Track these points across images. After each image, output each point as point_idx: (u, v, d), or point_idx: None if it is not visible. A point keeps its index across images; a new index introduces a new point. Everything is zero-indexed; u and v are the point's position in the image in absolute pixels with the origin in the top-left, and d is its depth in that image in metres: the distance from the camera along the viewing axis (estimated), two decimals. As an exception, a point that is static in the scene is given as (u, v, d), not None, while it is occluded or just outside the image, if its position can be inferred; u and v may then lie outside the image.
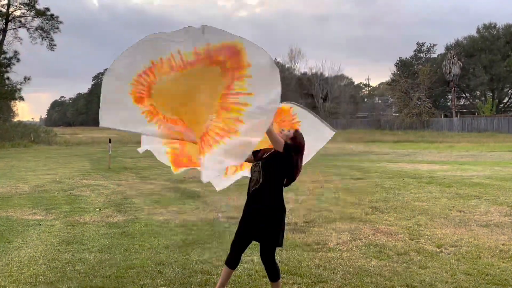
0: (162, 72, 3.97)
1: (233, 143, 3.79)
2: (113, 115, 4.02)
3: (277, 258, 5.76)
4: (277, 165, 4.15)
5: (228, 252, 4.37)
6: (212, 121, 3.97)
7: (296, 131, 4.31)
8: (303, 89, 72.09)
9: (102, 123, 4.01)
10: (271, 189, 4.16)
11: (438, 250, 6.09)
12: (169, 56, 3.92)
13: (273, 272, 4.29)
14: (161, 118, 4.11)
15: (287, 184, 4.26)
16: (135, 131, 4.12)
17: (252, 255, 5.82)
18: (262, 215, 4.15)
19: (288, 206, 8.85)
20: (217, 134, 3.88)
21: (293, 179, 4.26)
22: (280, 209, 4.19)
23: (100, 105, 4.01)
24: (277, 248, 4.32)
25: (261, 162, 4.23)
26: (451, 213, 8.28)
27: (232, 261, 4.33)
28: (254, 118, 3.77)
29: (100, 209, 9.17)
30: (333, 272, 5.27)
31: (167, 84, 4.02)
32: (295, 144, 4.18)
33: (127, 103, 3.97)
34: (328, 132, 5.22)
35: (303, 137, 4.28)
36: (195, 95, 4.13)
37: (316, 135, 5.12)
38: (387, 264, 5.54)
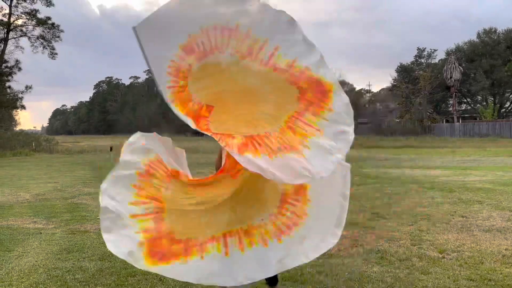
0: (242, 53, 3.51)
1: (292, 159, 3.39)
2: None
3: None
4: None
5: None
6: (275, 133, 3.53)
7: None
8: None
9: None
10: None
11: (440, 255, 6.06)
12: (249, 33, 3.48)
13: (271, 277, 4.33)
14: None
15: None
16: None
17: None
18: None
19: (289, 213, 8.84)
20: (282, 145, 3.43)
21: None
22: None
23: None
24: None
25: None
26: (453, 219, 8.24)
27: None
28: (319, 149, 3.47)
29: (101, 217, 9.14)
30: (335, 278, 5.25)
31: (240, 66, 3.55)
32: None
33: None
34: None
35: None
36: (260, 97, 3.68)
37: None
38: (389, 270, 5.51)
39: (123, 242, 3.47)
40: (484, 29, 59.62)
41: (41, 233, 7.90)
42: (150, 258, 3.46)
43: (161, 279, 5.36)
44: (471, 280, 5.13)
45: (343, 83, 79.89)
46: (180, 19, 3.39)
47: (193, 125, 3.47)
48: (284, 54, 3.53)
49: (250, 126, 3.60)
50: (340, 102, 3.61)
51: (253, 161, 3.27)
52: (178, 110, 3.46)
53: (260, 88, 3.63)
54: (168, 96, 3.45)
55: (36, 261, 6.18)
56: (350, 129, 3.59)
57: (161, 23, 3.37)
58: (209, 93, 3.61)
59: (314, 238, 3.80)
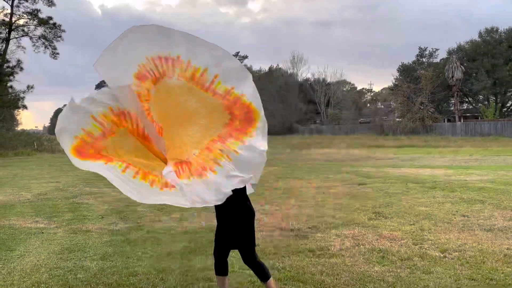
0: (182, 75, 3.95)
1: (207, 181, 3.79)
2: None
3: (280, 264, 5.75)
4: None
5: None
6: (194, 155, 3.95)
7: None
8: (306, 95, 72.22)
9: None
10: (234, 202, 4.08)
11: (442, 255, 6.05)
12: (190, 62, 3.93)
13: (260, 273, 4.37)
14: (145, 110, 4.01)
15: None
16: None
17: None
18: (229, 224, 4.29)
19: (291, 212, 8.86)
20: (200, 166, 3.86)
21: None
22: (245, 214, 4.28)
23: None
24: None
25: None
26: (455, 218, 8.24)
27: (221, 268, 4.45)
28: (229, 172, 3.83)
29: (102, 217, 9.17)
30: (336, 278, 5.24)
31: (185, 89, 3.97)
32: None
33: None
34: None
35: None
36: (192, 119, 4.07)
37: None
38: (391, 270, 5.50)
39: (67, 124, 4.06)
40: (486, 28, 59.47)
41: (43, 232, 7.91)
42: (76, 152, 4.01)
43: (162, 278, 5.37)
44: (472, 279, 5.12)
45: (344, 83, 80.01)
46: (128, 52, 3.88)
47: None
48: (223, 81, 3.94)
49: (178, 150, 4.02)
50: (260, 129, 4.02)
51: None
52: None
53: (196, 111, 4.04)
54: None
55: (38, 261, 6.19)
56: (261, 158, 3.97)
57: (113, 58, 3.90)
58: (160, 116, 4.05)
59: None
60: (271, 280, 4.39)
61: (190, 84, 3.96)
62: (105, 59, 3.91)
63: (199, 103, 4.00)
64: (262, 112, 4.05)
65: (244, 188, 4.20)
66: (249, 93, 3.99)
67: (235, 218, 4.25)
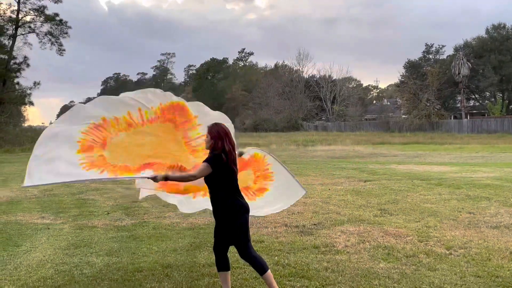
0: (120, 129, 4.73)
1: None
2: (43, 171, 4.35)
3: (285, 261, 5.75)
4: (214, 176, 4.34)
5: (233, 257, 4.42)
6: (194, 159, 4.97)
7: (209, 127, 4.49)
8: (311, 91, 72.09)
9: (29, 181, 4.41)
10: (221, 197, 4.38)
11: (447, 252, 6.03)
12: (125, 114, 4.75)
13: (257, 266, 4.42)
14: (108, 165, 4.53)
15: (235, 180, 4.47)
16: (70, 180, 4.81)
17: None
18: (221, 221, 4.41)
19: (296, 209, 8.86)
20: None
21: (235, 173, 4.46)
22: (236, 210, 4.35)
23: (30, 162, 4.41)
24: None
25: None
26: (461, 215, 8.21)
27: (221, 264, 4.54)
28: None
29: (108, 213, 9.20)
30: (341, 275, 5.24)
31: (126, 138, 4.77)
32: (215, 145, 4.37)
33: (64, 156, 4.41)
34: (299, 191, 5.70)
35: (218, 126, 4.47)
36: (162, 145, 4.97)
37: (288, 193, 5.65)
38: (396, 267, 5.49)
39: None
40: (493, 25, 59.16)
41: (49, 228, 7.95)
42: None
43: (167, 274, 5.38)
44: (478, 276, 5.10)
45: (350, 79, 79.81)
46: (64, 135, 4.51)
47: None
48: (145, 109, 4.84)
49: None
50: (194, 107, 5.12)
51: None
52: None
53: (156, 138, 4.95)
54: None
55: (44, 256, 6.23)
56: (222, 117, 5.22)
57: (49, 148, 4.48)
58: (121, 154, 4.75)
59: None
60: (269, 273, 4.43)
61: (132, 129, 4.86)
62: (42, 146, 4.58)
63: (152, 133, 4.97)
64: (181, 99, 5.11)
65: (232, 184, 4.40)
66: (163, 99, 5.02)
67: (226, 214, 4.35)
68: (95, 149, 4.58)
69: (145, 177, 4.55)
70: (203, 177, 4.40)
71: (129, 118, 4.78)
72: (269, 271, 4.44)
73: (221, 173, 4.30)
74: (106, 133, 4.67)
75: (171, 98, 4.98)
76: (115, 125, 4.72)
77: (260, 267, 4.41)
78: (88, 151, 4.52)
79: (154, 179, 4.30)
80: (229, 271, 4.62)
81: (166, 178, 4.27)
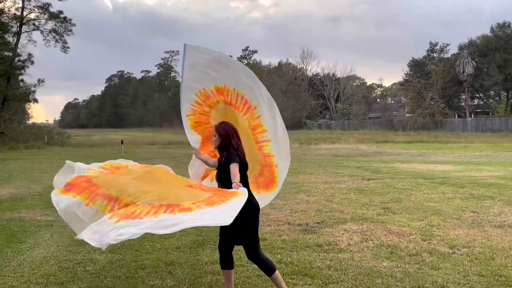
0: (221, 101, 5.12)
1: None
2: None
3: (288, 259, 5.74)
4: (227, 172, 4.23)
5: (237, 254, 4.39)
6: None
7: (216, 126, 4.51)
8: (315, 90, 72.01)
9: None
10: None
11: (450, 251, 6.02)
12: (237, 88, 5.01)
13: (265, 267, 4.33)
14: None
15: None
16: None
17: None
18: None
19: (299, 207, 8.85)
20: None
21: (246, 168, 4.43)
22: (244, 211, 3.99)
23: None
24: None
25: (216, 173, 4.45)
26: (464, 214, 8.19)
27: (225, 262, 4.46)
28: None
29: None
30: (344, 273, 5.23)
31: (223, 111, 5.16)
32: (224, 143, 4.39)
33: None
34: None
35: (225, 125, 4.49)
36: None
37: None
38: (399, 265, 5.48)
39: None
40: (498, 23, 58.87)
41: (52, 225, 7.97)
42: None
43: (170, 271, 5.39)
44: (481, 276, 5.09)
45: (354, 78, 79.68)
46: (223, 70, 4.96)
47: (196, 143, 5.12)
48: (271, 149, 5.17)
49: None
50: (273, 193, 5.38)
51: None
52: (188, 124, 5.09)
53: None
54: (185, 111, 5.06)
55: (47, 253, 6.24)
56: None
57: (207, 62, 4.90)
58: None
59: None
60: (277, 273, 4.37)
61: (250, 131, 5.01)
62: (201, 52, 4.96)
63: (247, 144, 4.81)
64: (280, 183, 5.27)
65: (244, 181, 4.29)
66: (281, 167, 5.21)
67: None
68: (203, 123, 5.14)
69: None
70: (215, 176, 4.40)
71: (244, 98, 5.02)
72: (277, 271, 4.37)
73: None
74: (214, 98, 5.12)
75: (280, 165, 5.28)
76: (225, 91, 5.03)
77: (268, 268, 4.32)
78: (198, 126, 5.12)
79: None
80: (233, 270, 4.57)
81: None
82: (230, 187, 4.06)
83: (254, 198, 4.39)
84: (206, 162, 4.96)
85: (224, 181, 4.29)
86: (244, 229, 4.25)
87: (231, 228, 4.18)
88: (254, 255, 4.32)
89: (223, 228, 4.37)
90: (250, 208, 4.22)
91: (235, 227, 4.11)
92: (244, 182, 4.29)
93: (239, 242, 4.37)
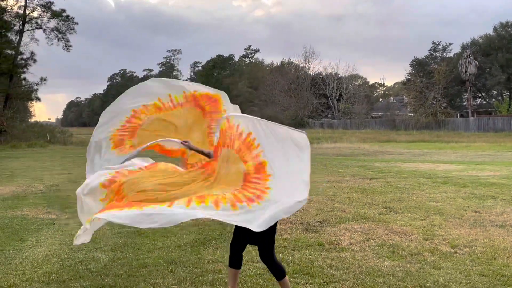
0: (148, 114, 4.92)
1: None
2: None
3: (289, 258, 5.75)
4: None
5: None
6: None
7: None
8: (317, 89, 71.95)
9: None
10: None
11: (452, 250, 6.01)
12: (156, 101, 4.92)
13: (276, 271, 4.22)
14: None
15: None
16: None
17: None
18: None
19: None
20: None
21: None
22: None
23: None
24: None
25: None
26: (466, 213, 8.18)
27: (234, 261, 4.34)
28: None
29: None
30: (346, 272, 5.23)
31: (154, 122, 4.95)
32: None
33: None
34: (299, 137, 4.12)
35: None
36: (187, 130, 5.02)
37: (294, 151, 4.10)
38: (400, 265, 5.48)
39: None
40: (501, 23, 58.73)
41: (54, 223, 7.99)
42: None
43: (172, 270, 5.40)
44: (483, 275, 5.08)
45: (356, 77, 79.62)
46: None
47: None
48: (175, 94, 4.98)
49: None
50: (228, 103, 5.16)
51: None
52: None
53: (184, 122, 5.05)
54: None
55: (49, 251, 6.26)
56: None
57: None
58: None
59: (282, 204, 3.75)
60: (286, 279, 4.27)
61: (162, 113, 5.00)
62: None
63: (179, 118, 5.03)
64: (220, 93, 5.18)
65: None
66: (200, 89, 5.12)
67: None
68: (125, 141, 4.83)
69: (174, 141, 4.82)
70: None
71: (160, 103, 4.94)
72: (286, 276, 4.28)
73: None
74: (136, 121, 4.89)
75: (208, 89, 5.10)
76: (145, 111, 4.90)
77: (280, 272, 4.21)
78: (120, 145, 4.84)
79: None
80: (240, 270, 4.46)
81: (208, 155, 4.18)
82: None
83: None
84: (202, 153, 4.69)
85: None
86: (260, 232, 3.94)
87: (247, 231, 3.91)
88: (269, 257, 4.19)
89: (239, 228, 4.16)
90: None
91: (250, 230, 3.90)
92: None
93: (255, 242, 4.24)
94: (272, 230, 4.08)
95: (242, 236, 4.26)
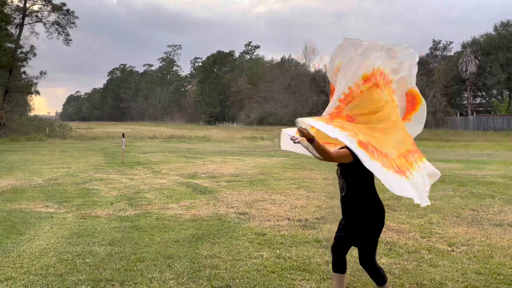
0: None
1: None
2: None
3: (287, 254, 5.75)
4: (355, 169, 3.88)
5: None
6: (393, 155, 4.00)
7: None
8: (317, 86, 71.92)
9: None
10: (357, 194, 3.97)
11: (449, 248, 6.03)
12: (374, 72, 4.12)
13: (376, 276, 4.01)
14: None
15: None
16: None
17: (261, 251, 5.83)
18: (353, 222, 3.98)
19: (299, 203, 8.85)
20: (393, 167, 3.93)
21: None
22: (370, 213, 3.94)
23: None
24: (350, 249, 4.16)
25: (338, 169, 4.07)
26: (464, 212, 8.19)
27: (337, 265, 4.13)
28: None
29: (112, 203, 9.23)
30: (342, 269, 5.23)
31: (366, 96, 4.12)
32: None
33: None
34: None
35: None
36: (395, 128, 4.21)
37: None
38: (397, 262, 5.50)
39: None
40: (502, 22, 58.74)
41: (52, 217, 7.99)
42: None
43: (169, 265, 5.40)
44: (480, 274, 5.10)
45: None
46: (362, 60, 4.10)
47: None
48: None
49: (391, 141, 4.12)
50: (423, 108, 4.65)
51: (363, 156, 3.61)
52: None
53: (396, 125, 4.23)
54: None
55: (47, 245, 6.26)
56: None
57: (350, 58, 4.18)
58: (361, 113, 4.17)
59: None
60: (387, 285, 4.05)
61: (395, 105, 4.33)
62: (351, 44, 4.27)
63: (398, 120, 4.34)
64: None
65: (372, 180, 4.01)
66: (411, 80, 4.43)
67: (362, 214, 3.90)
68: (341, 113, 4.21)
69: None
70: (338, 169, 4.05)
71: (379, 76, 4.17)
72: (387, 283, 4.05)
73: (363, 167, 3.61)
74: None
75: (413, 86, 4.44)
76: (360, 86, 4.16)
77: (381, 278, 4.00)
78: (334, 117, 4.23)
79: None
80: (345, 274, 4.20)
81: (311, 141, 3.61)
82: (355, 185, 3.97)
83: (379, 198, 4.06)
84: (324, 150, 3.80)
85: (347, 177, 3.99)
86: (366, 232, 3.91)
87: (353, 230, 3.95)
88: (371, 261, 4.00)
89: (342, 230, 4.05)
90: (380, 211, 3.99)
91: (359, 229, 3.93)
92: (373, 184, 4.06)
93: (356, 244, 4.02)
94: (376, 232, 3.97)
95: (346, 239, 4.06)
